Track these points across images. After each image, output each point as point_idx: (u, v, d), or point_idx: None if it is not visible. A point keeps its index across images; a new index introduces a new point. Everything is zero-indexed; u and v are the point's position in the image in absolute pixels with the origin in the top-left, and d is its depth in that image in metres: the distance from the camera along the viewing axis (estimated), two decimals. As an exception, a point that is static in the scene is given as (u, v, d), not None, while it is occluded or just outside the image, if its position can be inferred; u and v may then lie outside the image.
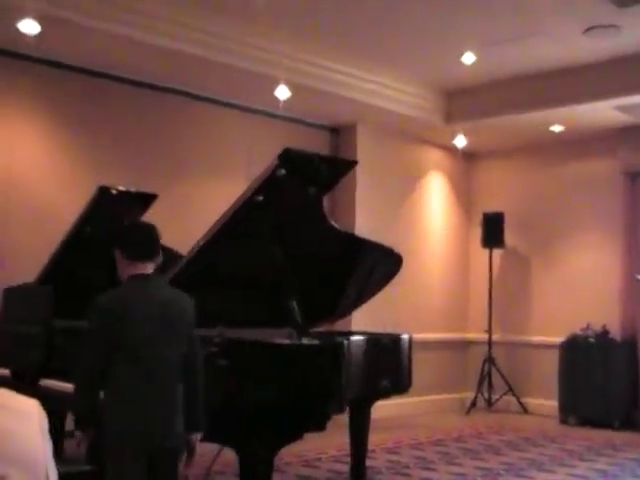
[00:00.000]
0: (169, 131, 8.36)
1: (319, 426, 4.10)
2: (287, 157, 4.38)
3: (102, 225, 5.60)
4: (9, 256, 7.02)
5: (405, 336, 5.96)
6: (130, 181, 6.98)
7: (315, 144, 9.49)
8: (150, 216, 5.92)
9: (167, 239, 5.92)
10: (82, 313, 5.57)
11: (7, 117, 7.28)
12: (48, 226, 6.96)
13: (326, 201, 9.09)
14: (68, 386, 4.36)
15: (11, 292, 5.77)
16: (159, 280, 3.81)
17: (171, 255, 5.50)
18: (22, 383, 4.73)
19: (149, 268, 3.72)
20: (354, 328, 8.19)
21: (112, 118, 7.93)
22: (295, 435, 4.05)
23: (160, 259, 3.80)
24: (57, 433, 4.90)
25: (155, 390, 3.46)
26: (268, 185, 4.43)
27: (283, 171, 4.40)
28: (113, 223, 5.73)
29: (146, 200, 5.88)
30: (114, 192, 5.58)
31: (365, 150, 9.84)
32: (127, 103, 8.04)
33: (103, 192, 5.48)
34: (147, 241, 3.83)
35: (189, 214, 8.05)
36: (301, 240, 5.04)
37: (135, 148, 8.08)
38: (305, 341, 4.56)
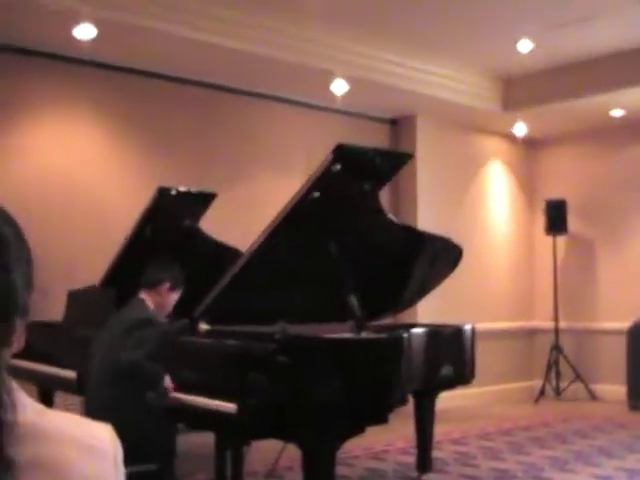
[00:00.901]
0: (227, 129, 8.40)
1: (381, 419, 4.08)
2: (341, 152, 4.35)
3: (163, 226, 5.65)
4: (71, 259, 7.12)
5: (467, 326, 5.89)
6: (190, 181, 7.04)
7: (374, 137, 9.46)
8: (210, 215, 5.98)
9: (228, 237, 6.02)
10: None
11: (66, 122, 7.38)
12: (109, 229, 7.05)
13: (388, 195, 9.17)
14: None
15: (74, 295, 5.85)
16: None
17: (231, 253, 5.54)
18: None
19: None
20: (420, 320, 8.15)
21: (170, 119, 7.99)
22: (357, 429, 4.03)
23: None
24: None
25: None
26: (324, 181, 4.40)
27: (338, 166, 4.37)
28: (174, 224, 5.81)
29: (206, 199, 5.91)
30: (173, 193, 5.61)
31: (425, 142, 9.77)
32: (185, 103, 8.10)
33: (163, 193, 5.52)
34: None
35: (249, 212, 8.08)
36: (360, 234, 5.02)
37: (194, 148, 8.14)
38: (365, 335, 4.54)
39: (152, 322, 4.38)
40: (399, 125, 10.00)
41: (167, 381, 4.27)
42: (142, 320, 4.35)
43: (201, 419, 4.20)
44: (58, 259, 7.03)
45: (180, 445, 5.50)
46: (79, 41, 6.60)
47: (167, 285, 4.41)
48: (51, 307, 6.08)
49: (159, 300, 4.42)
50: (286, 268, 4.89)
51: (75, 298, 5.81)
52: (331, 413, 3.92)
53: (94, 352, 4.48)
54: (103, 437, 1.11)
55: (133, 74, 7.72)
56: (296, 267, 4.92)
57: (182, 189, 5.80)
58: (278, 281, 4.96)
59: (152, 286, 4.42)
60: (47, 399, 6.09)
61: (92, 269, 6.07)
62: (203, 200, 5.90)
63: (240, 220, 7.81)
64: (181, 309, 5.31)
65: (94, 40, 6.58)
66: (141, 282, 4.55)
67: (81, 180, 7.39)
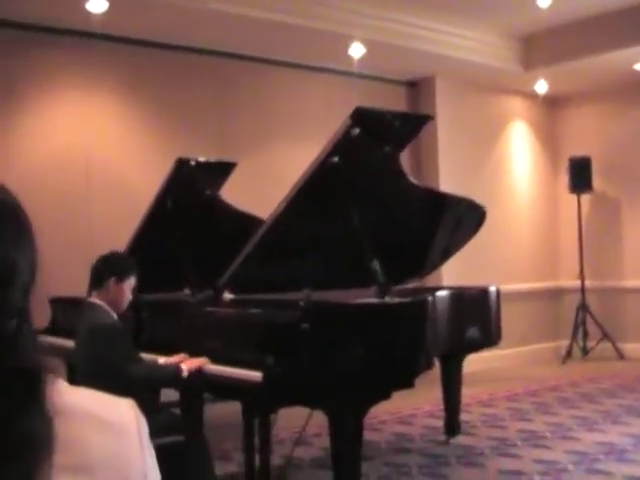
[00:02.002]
0: (246, 99, 8.36)
1: (407, 384, 4.07)
2: (360, 116, 4.31)
3: (183, 197, 5.64)
4: (92, 233, 7.14)
5: (492, 288, 5.86)
6: (210, 152, 7.02)
7: (393, 100, 9.38)
8: (231, 184, 5.96)
9: (249, 206, 6.00)
10: (166, 286, 5.68)
11: (81, 99, 7.36)
12: (129, 202, 7.04)
13: (409, 158, 9.10)
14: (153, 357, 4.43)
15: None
16: None
17: (253, 222, 5.52)
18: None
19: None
20: (444, 283, 8.14)
21: (187, 90, 7.95)
22: (383, 394, 4.02)
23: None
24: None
25: None
26: (342, 146, 4.37)
27: (357, 130, 4.34)
28: (195, 195, 5.80)
29: (226, 169, 5.89)
30: (193, 163, 5.59)
31: (444, 104, 9.68)
32: (201, 74, 8.06)
33: (182, 164, 5.49)
34: None
35: (270, 179, 8.05)
36: (381, 199, 4.98)
37: (213, 119, 8.10)
38: (389, 300, 4.52)
39: (99, 329, 4.22)
40: (418, 87, 9.91)
41: (185, 370, 4.17)
42: (95, 330, 4.20)
43: (227, 389, 4.20)
44: (79, 240, 7.05)
45: (207, 415, 5.55)
46: (92, 14, 6.56)
47: (112, 279, 4.29)
48: (75, 285, 6.12)
49: (111, 297, 4.26)
50: (308, 235, 4.88)
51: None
52: (357, 379, 3.92)
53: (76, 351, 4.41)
54: (125, 413, 1.06)
55: (147, 47, 7.67)
56: (318, 234, 4.90)
57: (201, 159, 5.79)
58: (300, 248, 4.95)
59: (100, 285, 4.30)
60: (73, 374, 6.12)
61: (114, 244, 6.08)
62: (223, 170, 5.88)
63: (261, 189, 7.78)
64: (205, 280, 5.32)
65: (106, 13, 6.54)
66: (90, 284, 4.42)
67: (99, 159, 7.37)
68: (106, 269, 4.30)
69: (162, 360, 4.36)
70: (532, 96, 10.42)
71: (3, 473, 0.88)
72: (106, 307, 4.24)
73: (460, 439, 6.19)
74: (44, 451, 0.91)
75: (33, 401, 0.93)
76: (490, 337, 5.78)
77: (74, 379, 4.62)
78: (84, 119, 7.33)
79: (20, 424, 0.91)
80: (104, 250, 4.48)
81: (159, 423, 3.92)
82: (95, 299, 4.28)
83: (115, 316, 4.28)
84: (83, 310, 4.37)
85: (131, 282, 4.33)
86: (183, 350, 4.42)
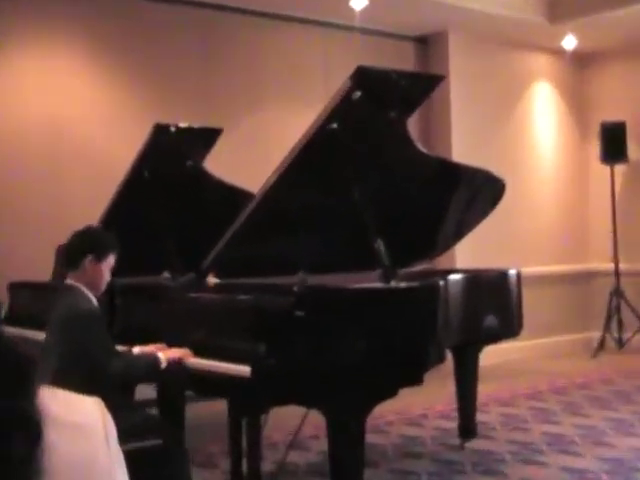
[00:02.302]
0: (234, 56, 8.36)
1: (415, 379, 4.09)
2: (362, 76, 4.32)
3: (162, 168, 5.66)
4: (63, 207, 7.15)
5: (513, 271, 5.89)
6: (193, 117, 7.02)
7: (400, 58, 9.39)
8: (217, 153, 5.97)
9: (236, 178, 6.01)
10: (144, 268, 5.68)
11: (47, 55, 7.36)
12: (102, 176, 7.06)
13: (417, 125, 9.11)
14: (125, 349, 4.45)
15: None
16: None
17: (242, 196, 5.54)
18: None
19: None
20: (458, 265, 8.17)
21: (168, 43, 7.96)
22: (388, 391, 4.05)
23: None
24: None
25: None
26: (342, 110, 4.38)
27: (359, 93, 4.35)
28: (175, 165, 5.81)
29: (210, 136, 5.91)
30: (172, 129, 5.61)
31: (458, 62, 9.68)
32: (185, 28, 8.07)
33: (160, 130, 5.51)
34: None
35: (261, 147, 8.07)
36: (386, 170, 5.00)
37: (196, 77, 8.11)
38: (394, 284, 4.54)
39: (77, 315, 4.21)
40: (428, 43, 9.90)
41: (163, 360, 4.16)
42: (72, 317, 4.20)
43: (212, 385, 4.23)
44: (42, 215, 7.06)
45: (188, 414, 5.58)
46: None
47: (89, 258, 4.29)
48: (39, 266, 6.14)
49: (88, 278, 4.26)
50: (303, 211, 4.89)
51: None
52: (358, 374, 3.94)
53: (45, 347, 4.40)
54: (90, 412, 1.11)
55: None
56: (314, 210, 4.92)
57: (182, 125, 5.79)
58: (295, 226, 4.97)
59: (75, 266, 4.29)
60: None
61: (86, 219, 6.08)
62: (207, 137, 5.90)
63: (250, 159, 7.80)
64: (187, 261, 5.34)
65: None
66: (63, 264, 4.48)
67: (67, 121, 7.39)
68: (82, 246, 4.29)
69: (136, 350, 4.38)
70: (558, 53, 10.41)
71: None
72: (85, 290, 4.25)
73: (476, 443, 6.22)
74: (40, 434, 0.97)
75: (30, 385, 0.98)
76: (510, 326, 5.81)
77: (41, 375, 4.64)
78: (49, 77, 7.33)
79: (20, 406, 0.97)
80: (72, 227, 4.46)
81: (133, 424, 3.94)
82: (71, 281, 4.28)
83: (95, 301, 4.29)
84: (59, 294, 4.38)
85: (110, 261, 4.33)
86: (161, 340, 4.44)
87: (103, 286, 4.36)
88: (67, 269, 4.34)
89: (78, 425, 1.07)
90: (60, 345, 4.17)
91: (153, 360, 4.18)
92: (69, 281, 4.29)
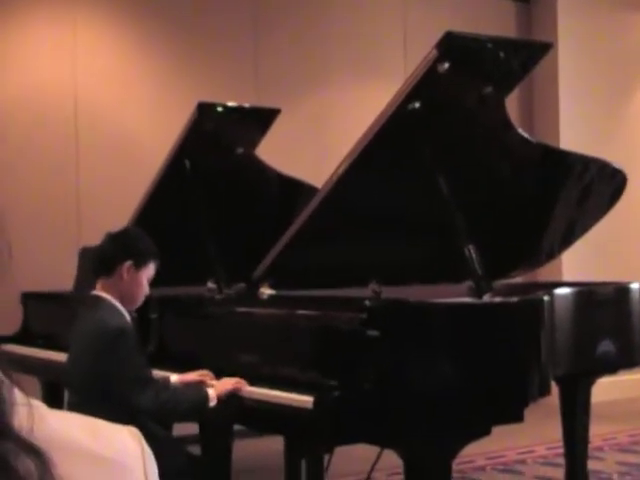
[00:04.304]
0: (290, 25, 8.41)
1: (513, 416, 4.09)
2: (450, 44, 4.33)
3: (206, 156, 5.71)
4: (80, 207, 7.25)
5: (636, 285, 5.85)
6: (243, 95, 7.08)
7: (498, 21, 9.37)
8: (274, 137, 6.01)
9: (298, 166, 6.07)
10: (183, 277, 5.74)
11: (66, 20, 7.47)
12: (131, 163, 7.15)
13: (517, 105, 9.07)
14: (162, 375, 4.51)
15: (88, 252, 5.90)
16: None
17: (301, 191, 5.58)
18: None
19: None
20: (566, 277, 8.13)
21: (213, 13, 8.04)
22: (480, 430, 4.06)
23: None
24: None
25: None
26: (426, 86, 4.39)
27: (446, 65, 4.36)
28: (222, 153, 5.86)
29: (266, 118, 5.93)
30: (220, 109, 5.66)
31: (569, 27, 9.63)
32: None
33: (204, 110, 5.54)
34: None
35: (325, 132, 8.12)
36: (479, 160, 5.01)
37: (246, 52, 8.17)
38: (489, 299, 4.55)
39: (106, 333, 4.20)
40: (533, 4, 9.87)
41: (213, 397, 4.10)
42: (99, 336, 4.19)
43: (265, 419, 4.26)
44: (61, 217, 7.17)
45: (236, 454, 5.63)
46: None
47: (127, 264, 4.29)
48: (53, 275, 6.23)
49: (123, 288, 4.25)
50: (376, 210, 4.92)
51: (89, 256, 5.89)
52: (443, 407, 3.96)
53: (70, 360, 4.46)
54: (128, 447, 1.07)
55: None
56: (390, 209, 4.94)
57: (231, 104, 5.84)
58: (366, 228, 4.99)
59: (109, 273, 4.30)
60: (54, 396, 6.21)
61: (111, 216, 6.16)
62: (261, 119, 5.93)
63: (312, 146, 7.86)
64: (235, 269, 5.39)
65: None
66: (93, 270, 4.46)
67: (90, 103, 7.48)
68: (119, 250, 4.32)
69: (174, 378, 4.41)
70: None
71: None
72: (116, 303, 4.27)
73: (588, 497, 6.20)
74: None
75: None
76: (631, 354, 5.77)
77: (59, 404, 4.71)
78: (68, 49, 7.44)
79: None
80: (94, 232, 4.51)
81: (171, 466, 3.96)
82: (100, 292, 4.31)
83: (127, 316, 4.31)
84: (84, 307, 4.42)
85: (150, 270, 4.35)
86: (205, 365, 4.49)
87: (141, 299, 4.39)
88: (98, 276, 4.36)
89: (113, 461, 1.02)
90: (82, 368, 4.22)
91: (200, 397, 4.12)
92: (97, 292, 4.32)
